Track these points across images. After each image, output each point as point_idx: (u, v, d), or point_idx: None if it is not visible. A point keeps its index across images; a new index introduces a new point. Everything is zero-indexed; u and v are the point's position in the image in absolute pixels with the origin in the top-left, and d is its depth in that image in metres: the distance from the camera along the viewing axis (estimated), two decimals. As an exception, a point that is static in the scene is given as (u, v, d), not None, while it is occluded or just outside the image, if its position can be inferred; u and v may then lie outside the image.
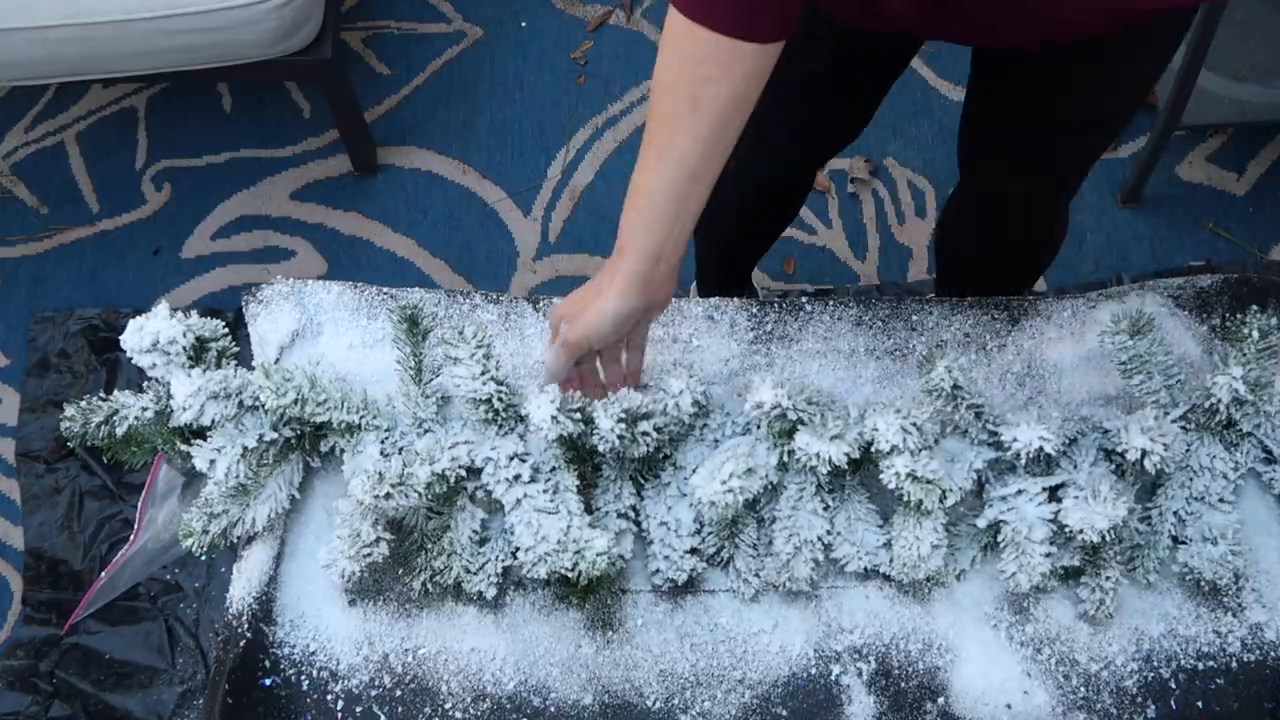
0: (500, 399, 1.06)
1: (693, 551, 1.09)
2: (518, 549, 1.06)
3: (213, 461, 1.07)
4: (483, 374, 1.05)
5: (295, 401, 1.06)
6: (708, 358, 1.21)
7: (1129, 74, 1.20)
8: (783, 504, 1.08)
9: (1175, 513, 1.09)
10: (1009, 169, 1.36)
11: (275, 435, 1.09)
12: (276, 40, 1.83)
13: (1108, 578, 1.05)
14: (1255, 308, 1.10)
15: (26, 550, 1.87)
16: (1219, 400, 1.07)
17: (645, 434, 1.03)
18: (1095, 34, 1.09)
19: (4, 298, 2.08)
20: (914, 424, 1.02)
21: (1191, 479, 1.10)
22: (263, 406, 1.06)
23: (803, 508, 1.08)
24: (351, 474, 1.08)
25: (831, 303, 1.24)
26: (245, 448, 1.08)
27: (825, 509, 1.09)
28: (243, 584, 1.12)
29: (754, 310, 1.24)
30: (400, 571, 1.10)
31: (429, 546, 1.08)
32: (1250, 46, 1.98)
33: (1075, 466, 1.08)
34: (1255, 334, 1.08)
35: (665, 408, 1.05)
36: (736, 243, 1.71)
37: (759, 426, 1.08)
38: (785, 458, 1.07)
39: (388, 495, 1.01)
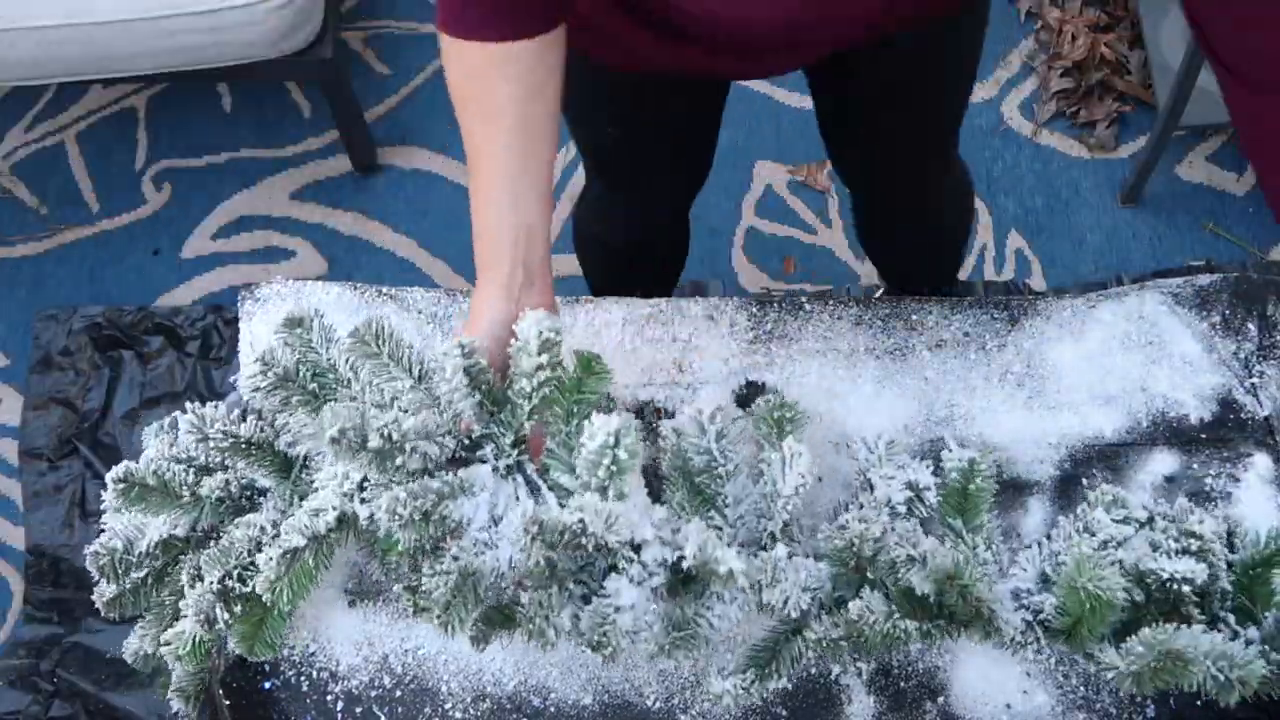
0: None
1: None
2: None
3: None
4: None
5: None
6: (707, 357, 1.21)
7: (954, 42, 1.27)
8: None
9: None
10: (879, 163, 1.46)
11: None
12: (276, 40, 1.83)
13: None
14: None
15: (28, 549, 1.88)
16: None
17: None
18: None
19: (4, 298, 2.08)
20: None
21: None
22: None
23: None
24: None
25: (831, 302, 1.24)
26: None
27: None
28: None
29: (754, 310, 1.24)
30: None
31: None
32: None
33: None
34: None
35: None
36: (636, 286, 1.74)
37: None
38: None
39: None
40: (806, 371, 1.20)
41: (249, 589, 0.99)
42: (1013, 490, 1.13)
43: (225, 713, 1.09)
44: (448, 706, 1.07)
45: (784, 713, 1.06)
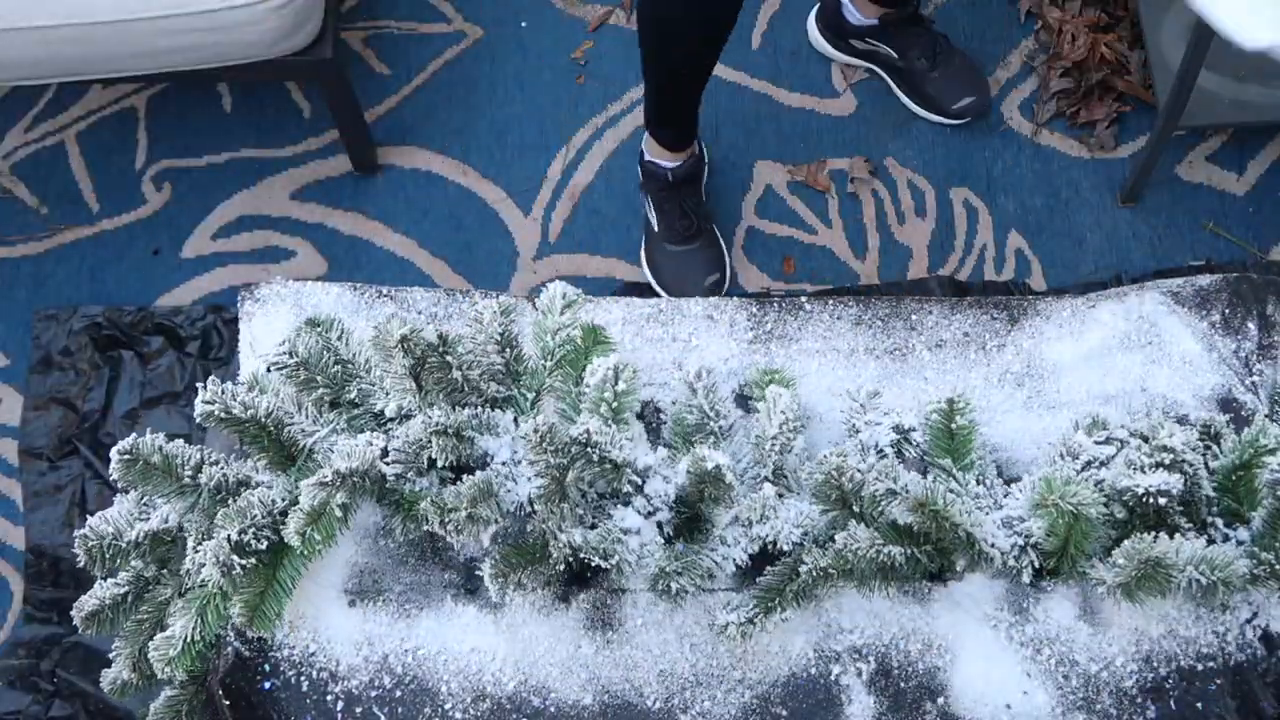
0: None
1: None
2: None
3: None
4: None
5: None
6: (707, 356, 1.21)
7: None
8: None
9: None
10: None
11: None
12: (276, 40, 1.83)
13: None
14: None
15: (28, 548, 1.88)
16: None
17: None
18: None
19: (4, 298, 2.08)
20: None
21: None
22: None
23: None
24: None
25: (831, 302, 1.24)
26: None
27: None
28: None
29: (754, 309, 1.24)
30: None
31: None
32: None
33: None
34: None
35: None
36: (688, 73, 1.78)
37: None
38: None
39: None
40: (806, 371, 1.20)
41: (263, 547, 1.03)
42: (1013, 490, 1.13)
43: (225, 713, 1.09)
44: (448, 706, 1.07)
45: (784, 713, 1.06)
